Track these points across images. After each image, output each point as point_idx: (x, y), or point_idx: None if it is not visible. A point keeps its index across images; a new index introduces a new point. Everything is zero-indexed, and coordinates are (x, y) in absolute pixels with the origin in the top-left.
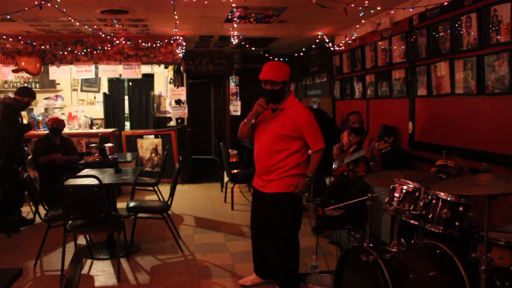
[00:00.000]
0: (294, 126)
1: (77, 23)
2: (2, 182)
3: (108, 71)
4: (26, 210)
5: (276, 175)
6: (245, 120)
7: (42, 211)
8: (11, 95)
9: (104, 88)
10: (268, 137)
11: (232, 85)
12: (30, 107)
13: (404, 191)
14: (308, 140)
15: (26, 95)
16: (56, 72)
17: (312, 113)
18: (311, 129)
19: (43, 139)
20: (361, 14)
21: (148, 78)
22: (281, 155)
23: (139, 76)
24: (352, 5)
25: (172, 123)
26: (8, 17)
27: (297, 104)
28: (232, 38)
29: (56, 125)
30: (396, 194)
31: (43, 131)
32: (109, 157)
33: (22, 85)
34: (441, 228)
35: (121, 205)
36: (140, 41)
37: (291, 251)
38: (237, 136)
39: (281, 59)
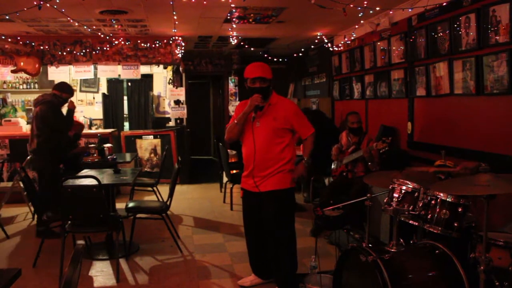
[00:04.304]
0: (284, 118)
1: (76, 24)
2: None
3: (107, 71)
4: (25, 211)
5: (273, 170)
6: (235, 121)
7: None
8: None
9: (103, 88)
10: (262, 134)
11: (231, 85)
12: (29, 107)
13: (403, 191)
14: (298, 129)
15: (65, 91)
16: (55, 73)
17: (296, 104)
18: (299, 118)
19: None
20: (360, 15)
21: (147, 79)
22: (277, 149)
23: (138, 77)
24: (351, 6)
25: (171, 123)
26: (7, 17)
27: (282, 98)
28: (231, 39)
29: (79, 131)
30: (395, 195)
31: None
32: (108, 157)
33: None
34: (440, 228)
35: (120, 205)
36: (139, 41)
37: (291, 248)
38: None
39: (280, 60)
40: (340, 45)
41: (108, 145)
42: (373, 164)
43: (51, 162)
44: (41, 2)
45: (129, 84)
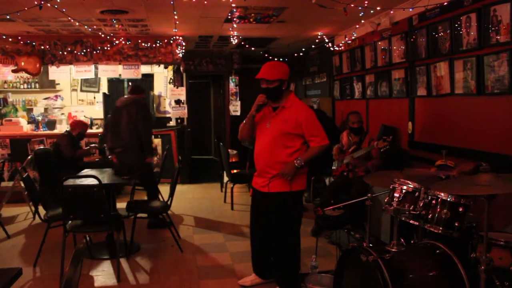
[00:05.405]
0: (295, 123)
1: (77, 23)
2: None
3: (108, 71)
4: (26, 210)
5: (278, 172)
6: (244, 121)
7: (41, 211)
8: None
9: (104, 88)
10: (269, 135)
11: (231, 85)
12: (29, 106)
13: (404, 191)
14: (308, 138)
15: (143, 92)
16: (56, 72)
17: (312, 111)
18: (311, 125)
19: (68, 137)
20: (360, 14)
21: (148, 78)
22: (286, 152)
23: (139, 76)
24: (352, 5)
25: (172, 123)
26: (8, 17)
27: (298, 102)
28: (231, 38)
29: (83, 131)
30: (396, 194)
31: (42, 131)
32: (109, 157)
33: (135, 85)
34: (441, 228)
35: (121, 205)
36: (139, 41)
37: (294, 250)
38: (237, 137)
39: (281, 59)
40: (340, 44)
41: None
42: (372, 164)
43: (143, 158)
44: (42, 2)
45: (130, 83)
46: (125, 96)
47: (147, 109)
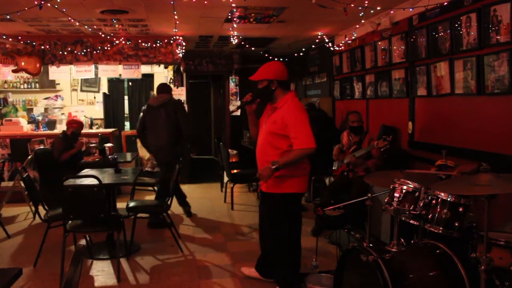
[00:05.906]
0: (282, 123)
1: (77, 23)
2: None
3: (108, 71)
4: (26, 210)
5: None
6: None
7: (41, 211)
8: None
9: (104, 88)
10: (263, 135)
11: (232, 85)
12: (30, 106)
13: (404, 191)
14: (292, 140)
15: (171, 89)
16: (56, 72)
17: (302, 113)
18: (294, 127)
19: (63, 139)
20: (361, 14)
21: (148, 78)
22: (273, 153)
23: (139, 76)
24: (352, 5)
25: None
26: (8, 17)
27: (290, 103)
28: (232, 38)
29: (77, 130)
30: (396, 194)
31: (42, 131)
32: (109, 157)
33: (164, 83)
34: (441, 228)
35: (121, 205)
36: (140, 41)
37: (284, 251)
38: (237, 137)
39: (281, 59)
40: (341, 44)
41: (109, 144)
42: (373, 164)
43: (176, 156)
44: (42, 2)
45: (130, 83)
46: (157, 95)
47: (184, 106)
